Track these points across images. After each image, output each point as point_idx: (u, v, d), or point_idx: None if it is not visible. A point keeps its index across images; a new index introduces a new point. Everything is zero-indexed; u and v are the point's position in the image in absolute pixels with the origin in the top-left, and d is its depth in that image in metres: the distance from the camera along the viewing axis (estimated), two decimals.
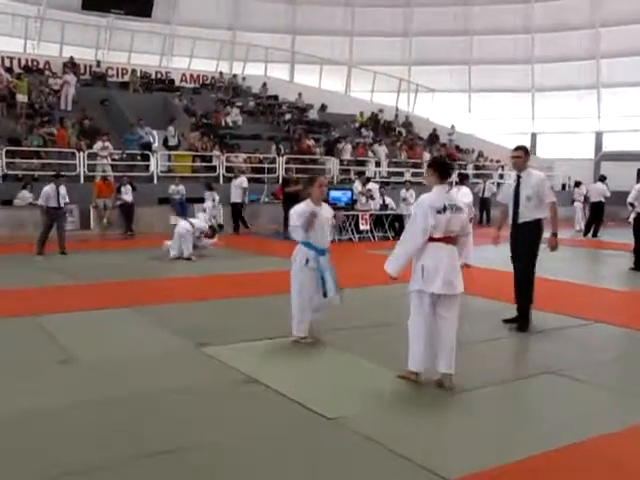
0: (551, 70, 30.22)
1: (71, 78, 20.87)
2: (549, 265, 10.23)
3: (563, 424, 4.09)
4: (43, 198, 11.99)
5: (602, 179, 18.22)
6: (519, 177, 6.54)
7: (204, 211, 15.05)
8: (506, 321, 6.68)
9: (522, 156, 6.55)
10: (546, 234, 6.62)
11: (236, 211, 16.88)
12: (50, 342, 5.90)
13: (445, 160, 6.60)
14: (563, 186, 25.50)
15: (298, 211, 5.80)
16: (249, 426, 4.02)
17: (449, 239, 4.66)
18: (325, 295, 5.75)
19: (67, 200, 12.32)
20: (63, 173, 13.23)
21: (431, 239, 4.61)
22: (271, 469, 3.46)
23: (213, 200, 16.07)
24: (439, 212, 4.59)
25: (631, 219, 11.33)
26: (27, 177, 15.92)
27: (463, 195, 11.30)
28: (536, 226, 6.46)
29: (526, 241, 6.46)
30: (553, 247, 6.56)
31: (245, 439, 3.82)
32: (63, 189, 12.15)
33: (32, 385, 4.74)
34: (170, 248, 11.46)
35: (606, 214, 17.74)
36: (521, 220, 6.46)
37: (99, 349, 5.70)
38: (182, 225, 11.67)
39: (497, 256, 11.86)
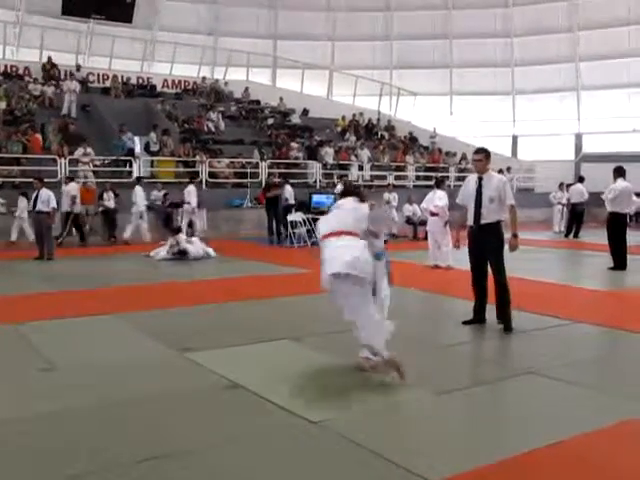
0: (531, 73, 30.51)
1: (74, 85, 21.00)
2: (530, 266, 10.36)
3: (544, 424, 4.13)
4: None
5: (581, 180, 18.42)
6: (480, 179, 6.65)
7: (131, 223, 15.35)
8: (465, 322, 6.75)
9: (483, 159, 6.69)
10: (506, 235, 6.69)
11: (66, 220, 15.02)
12: (32, 350, 5.85)
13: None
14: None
15: None
16: (233, 431, 4.02)
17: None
18: None
19: (53, 205, 12.34)
20: (46, 180, 13.20)
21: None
22: (255, 475, 3.46)
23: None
24: None
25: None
26: (6, 184, 15.75)
27: (438, 198, 11.46)
28: (498, 228, 6.59)
29: (493, 244, 6.54)
30: (514, 248, 6.60)
31: (229, 445, 3.82)
32: (45, 194, 12.25)
33: (13, 393, 4.70)
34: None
35: (587, 215, 17.92)
36: (483, 221, 6.55)
37: (82, 357, 5.66)
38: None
39: None
